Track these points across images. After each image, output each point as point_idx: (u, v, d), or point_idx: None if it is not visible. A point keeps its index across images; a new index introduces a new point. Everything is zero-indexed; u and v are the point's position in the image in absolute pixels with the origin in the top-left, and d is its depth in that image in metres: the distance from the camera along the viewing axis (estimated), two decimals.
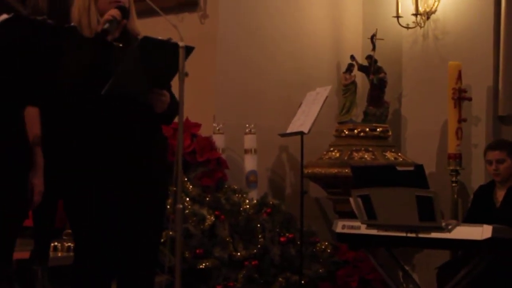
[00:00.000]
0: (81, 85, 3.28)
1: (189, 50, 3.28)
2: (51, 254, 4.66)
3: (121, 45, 3.38)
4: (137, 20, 3.52)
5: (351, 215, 5.31)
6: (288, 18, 6.82)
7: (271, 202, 5.94)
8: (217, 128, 6.07)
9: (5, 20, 2.74)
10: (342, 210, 6.28)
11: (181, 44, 3.21)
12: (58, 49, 3.27)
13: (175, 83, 3.31)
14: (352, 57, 6.80)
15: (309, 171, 6.43)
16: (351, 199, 5.06)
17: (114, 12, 3.36)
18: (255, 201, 5.89)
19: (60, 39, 3.32)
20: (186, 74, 3.23)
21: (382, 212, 4.85)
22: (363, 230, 5.06)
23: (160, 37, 3.31)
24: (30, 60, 3.03)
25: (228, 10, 6.41)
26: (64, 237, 5.24)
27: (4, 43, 2.86)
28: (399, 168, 4.84)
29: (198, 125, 5.96)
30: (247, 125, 6.20)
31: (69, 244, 5.04)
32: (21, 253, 4.29)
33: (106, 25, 3.30)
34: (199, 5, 6.45)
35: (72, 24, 3.44)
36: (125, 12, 3.41)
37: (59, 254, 5.11)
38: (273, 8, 6.72)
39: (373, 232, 5.00)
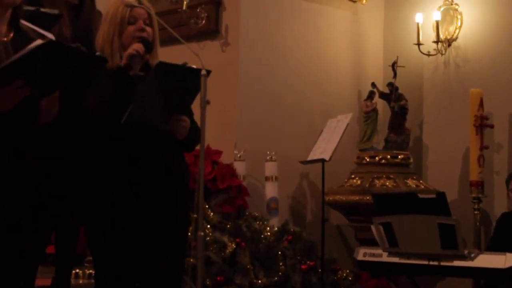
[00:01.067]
0: (102, 115, 3.29)
1: (206, 73, 3.28)
2: (73, 281, 4.67)
3: (142, 74, 3.40)
4: (159, 55, 3.52)
5: (372, 243, 5.29)
6: (309, 45, 6.84)
7: (292, 230, 5.92)
8: (238, 155, 6.08)
9: (42, 45, 2.77)
10: (363, 237, 6.25)
11: (202, 72, 3.22)
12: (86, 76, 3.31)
13: (196, 110, 3.32)
14: (373, 85, 6.80)
15: (330, 198, 6.42)
16: (373, 227, 5.04)
17: (137, 47, 3.37)
18: (276, 229, 5.87)
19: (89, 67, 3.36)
20: (208, 102, 3.23)
21: (404, 239, 4.83)
22: (385, 258, 5.03)
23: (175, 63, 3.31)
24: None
25: (249, 37, 6.45)
26: (86, 264, 5.26)
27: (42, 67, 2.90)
28: (420, 196, 4.83)
29: (219, 152, 5.97)
30: (268, 152, 6.20)
31: (90, 271, 5.05)
32: (43, 280, 4.31)
33: (129, 60, 3.32)
34: (220, 33, 6.49)
35: (98, 53, 3.47)
36: (148, 46, 3.42)
37: (81, 281, 5.12)
38: (294, 36, 6.74)
39: (395, 260, 4.98)
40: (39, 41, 2.79)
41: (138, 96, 3.21)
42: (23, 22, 3.17)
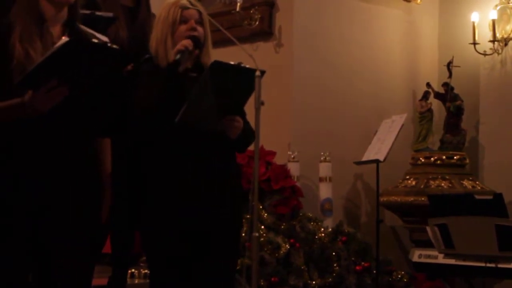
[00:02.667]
0: (154, 115, 3.32)
1: (260, 74, 3.28)
2: (129, 281, 4.72)
3: (194, 75, 3.42)
4: (212, 55, 3.54)
5: (427, 244, 5.24)
6: (364, 46, 6.81)
7: (346, 231, 5.90)
8: (292, 156, 6.08)
9: (68, 42, 2.80)
10: (418, 239, 6.20)
11: (257, 73, 3.22)
12: (133, 80, 3.34)
13: (251, 111, 3.33)
14: (428, 85, 6.75)
15: (385, 199, 6.39)
16: (428, 228, 5.00)
17: (186, 42, 3.39)
18: (330, 229, 5.86)
19: (137, 70, 3.39)
20: (262, 103, 3.23)
21: (460, 241, 4.77)
22: (441, 259, 4.98)
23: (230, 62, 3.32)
24: (106, 88, 3.09)
25: (303, 38, 6.44)
26: (141, 264, 5.30)
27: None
28: (477, 197, 4.77)
29: (273, 153, 5.98)
30: (322, 153, 6.19)
31: (146, 271, 5.09)
32: (99, 280, 4.35)
33: (178, 56, 3.34)
34: (273, 34, 6.49)
35: (148, 55, 3.50)
36: (197, 42, 3.43)
37: (136, 281, 5.16)
38: (348, 36, 6.72)
39: (451, 261, 4.92)
40: (64, 39, 2.82)
41: (192, 95, 3.22)
42: (81, 26, 3.21)
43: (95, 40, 3.01)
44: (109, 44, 3.01)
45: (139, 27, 4.18)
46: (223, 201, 3.42)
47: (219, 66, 3.23)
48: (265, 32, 6.49)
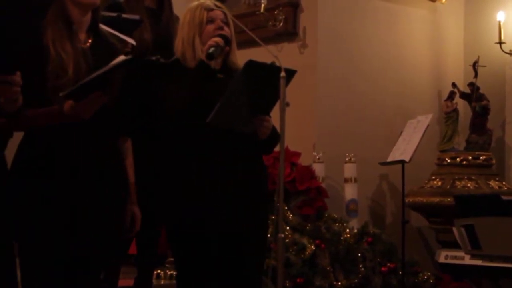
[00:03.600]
0: (184, 115, 3.33)
1: (291, 74, 3.29)
2: (154, 282, 4.73)
3: (222, 76, 3.43)
4: (237, 55, 3.55)
5: (454, 245, 5.21)
6: (389, 46, 6.79)
7: (371, 231, 5.89)
8: (317, 157, 6.07)
9: (125, 61, 2.84)
10: (444, 239, 6.17)
11: (282, 74, 3.22)
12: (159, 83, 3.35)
13: (276, 112, 3.33)
14: (454, 85, 6.72)
15: (411, 200, 6.36)
16: (454, 229, 4.96)
17: (217, 39, 3.41)
18: (355, 230, 5.85)
19: (165, 75, 3.40)
20: (287, 104, 3.23)
21: (487, 242, 4.74)
22: (467, 260, 4.95)
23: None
24: (133, 93, 3.12)
25: (327, 39, 6.43)
26: (167, 265, 5.32)
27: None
28: (504, 197, 4.73)
29: (298, 154, 5.98)
30: (347, 154, 6.17)
31: (172, 272, 5.11)
32: (125, 281, 4.37)
33: (211, 49, 3.35)
34: (298, 35, 6.49)
35: (176, 56, 3.52)
36: (227, 41, 3.46)
37: (162, 282, 5.19)
38: (373, 36, 6.70)
39: (478, 262, 4.89)
40: (121, 57, 2.86)
41: (225, 95, 3.23)
42: (103, 27, 3.23)
43: (152, 58, 3.06)
44: (162, 61, 3.05)
45: (162, 29, 4.20)
46: (249, 202, 3.42)
47: (253, 65, 3.23)
48: (290, 33, 6.49)
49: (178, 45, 3.52)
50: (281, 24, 6.42)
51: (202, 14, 3.48)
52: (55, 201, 2.97)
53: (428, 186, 6.44)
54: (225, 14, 3.53)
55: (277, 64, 3.26)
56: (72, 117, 2.94)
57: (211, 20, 3.48)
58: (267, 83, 3.25)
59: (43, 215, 2.96)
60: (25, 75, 2.79)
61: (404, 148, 5.79)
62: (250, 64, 3.23)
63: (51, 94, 2.94)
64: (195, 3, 3.56)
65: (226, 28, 3.49)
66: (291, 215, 5.62)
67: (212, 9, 3.50)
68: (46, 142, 3.00)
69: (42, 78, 2.94)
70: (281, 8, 6.43)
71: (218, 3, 3.55)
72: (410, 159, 5.69)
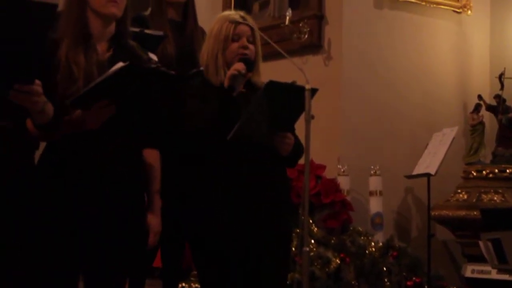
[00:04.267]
0: (205, 131, 3.33)
1: (312, 92, 3.29)
2: None
3: (244, 91, 3.42)
4: (262, 70, 3.54)
5: (480, 259, 5.17)
6: (414, 58, 6.76)
7: (397, 245, 5.86)
8: (342, 170, 6.05)
9: (122, 68, 2.84)
10: (471, 253, 6.12)
11: (306, 86, 3.22)
12: (180, 95, 3.35)
13: (301, 125, 3.32)
14: (480, 97, 6.67)
15: (436, 213, 6.32)
16: (481, 243, 4.92)
17: (239, 66, 3.39)
18: (380, 244, 5.82)
19: (183, 87, 3.40)
20: (312, 117, 3.22)
21: None
22: (494, 275, 4.92)
23: (284, 81, 3.33)
24: (149, 104, 3.12)
25: (352, 51, 6.42)
26: (192, 278, 5.31)
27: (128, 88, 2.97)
28: None
29: (322, 167, 5.96)
30: (372, 167, 6.15)
31: (197, 285, 5.09)
32: None
33: (231, 82, 3.35)
34: (323, 47, 6.48)
35: (197, 69, 3.52)
36: (250, 65, 3.44)
37: None
38: (399, 48, 6.67)
39: (505, 277, 4.85)
40: (120, 64, 2.86)
41: (245, 114, 3.23)
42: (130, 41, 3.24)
43: (152, 65, 3.06)
44: (162, 69, 3.04)
45: (186, 42, 4.21)
46: (272, 215, 3.41)
47: (274, 86, 3.24)
48: (314, 45, 6.48)
49: (203, 56, 3.52)
50: (306, 36, 6.42)
51: (229, 29, 3.46)
52: (66, 206, 2.98)
53: (454, 199, 6.39)
54: (252, 30, 3.50)
55: (298, 82, 3.26)
56: (81, 125, 2.95)
57: (237, 37, 3.47)
58: (288, 102, 3.27)
59: (54, 219, 2.98)
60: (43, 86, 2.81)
61: (429, 161, 5.76)
62: (271, 85, 3.24)
63: (62, 104, 2.95)
64: (224, 14, 3.55)
65: (251, 47, 3.47)
66: (316, 228, 5.60)
67: (239, 23, 3.48)
68: (64, 149, 3.02)
69: (52, 89, 2.94)
70: (306, 20, 6.43)
71: (246, 16, 3.53)
72: (436, 172, 5.66)
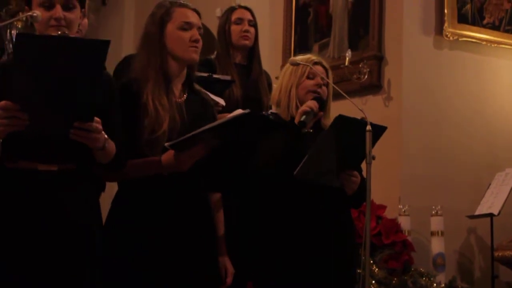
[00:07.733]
0: (274, 167, 3.36)
1: (381, 130, 3.30)
2: None
3: (311, 131, 3.45)
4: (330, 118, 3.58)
5: None
6: (474, 97, 6.71)
7: (460, 286, 5.78)
8: (403, 210, 6.01)
9: (242, 115, 2.90)
10: None
11: (368, 127, 3.23)
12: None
13: (361, 165, 3.33)
14: None
15: (500, 254, 6.21)
16: None
17: (312, 104, 3.45)
18: (443, 285, 5.75)
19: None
20: (373, 158, 3.23)
21: None
22: None
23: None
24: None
25: (413, 91, 6.41)
26: None
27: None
28: None
29: (383, 207, 5.93)
30: (433, 207, 6.10)
31: None
32: None
33: (303, 117, 3.39)
34: (383, 88, 6.49)
35: (267, 113, 3.57)
36: (322, 103, 3.49)
37: None
38: (461, 88, 6.62)
39: None
40: (240, 111, 2.91)
41: (313, 149, 3.25)
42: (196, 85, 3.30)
43: (265, 113, 3.12)
44: (271, 117, 3.10)
45: (252, 85, 4.27)
46: (337, 256, 3.41)
47: (343, 120, 3.26)
48: (374, 86, 6.49)
49: (276, 92, 3.60)
50: (366, 77, 6.44)
51: (305, 67, 3.54)
52: (145, 252, 3.02)
53: None
54: (327, 72, 3.58)
55: (365, 118, 3.28)
56: (170, 168, 2.99)
57: (312, 75, 3.54)
58: (356, 138, 3.27)
59: (139, 266, 3.01)
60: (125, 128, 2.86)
61: (492, 201, 5.71)
62: (340, 119, 3.26)
63: (145, 147, 3.00)
64: (304, 56, 3.61)
65: (324, 88, 3.54)
66: (376, 269, 5.56)
67: (315, 63, 3.56)
68: (139, 192, 3.06)
69: (139, 131, 3.00)
70: (365, 61, 6.45)
71: (323, 61, 3.61)
72: (499, 212, 5.60)
